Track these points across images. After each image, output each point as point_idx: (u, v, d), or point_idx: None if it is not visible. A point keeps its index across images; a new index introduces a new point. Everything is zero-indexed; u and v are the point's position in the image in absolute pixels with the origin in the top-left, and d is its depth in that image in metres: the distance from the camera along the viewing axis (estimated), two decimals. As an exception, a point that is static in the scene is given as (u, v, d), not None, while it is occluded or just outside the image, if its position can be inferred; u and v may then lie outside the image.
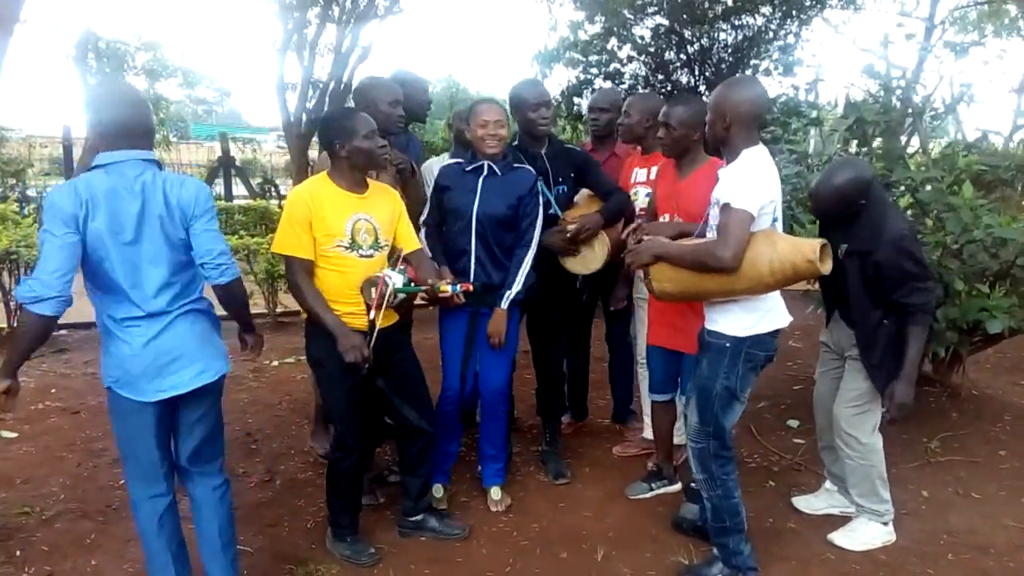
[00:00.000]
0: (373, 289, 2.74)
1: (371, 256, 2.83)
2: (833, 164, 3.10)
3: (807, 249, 2.43)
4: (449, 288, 2.86)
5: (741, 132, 2.57)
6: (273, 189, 16.30)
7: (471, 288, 2.95)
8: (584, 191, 3.74)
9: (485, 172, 3.25)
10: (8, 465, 3.88)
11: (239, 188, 15.59)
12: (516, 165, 3.31)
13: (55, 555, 3.01)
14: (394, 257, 2.93)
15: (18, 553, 3.01)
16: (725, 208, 2.45)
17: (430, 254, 3.19)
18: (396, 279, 2.76)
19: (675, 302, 2.85)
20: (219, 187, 15.52)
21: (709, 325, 2.70)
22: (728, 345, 2.62)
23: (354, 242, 2.79)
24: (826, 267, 2.46)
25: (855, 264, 2.92)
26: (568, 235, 3.45)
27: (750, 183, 2.47)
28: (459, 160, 3.38)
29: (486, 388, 3.40)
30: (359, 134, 2.76)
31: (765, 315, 2.63)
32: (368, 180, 2.91)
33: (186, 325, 2.39)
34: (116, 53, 14.10)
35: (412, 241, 3.01)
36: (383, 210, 2.90)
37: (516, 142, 3.70)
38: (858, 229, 2.92)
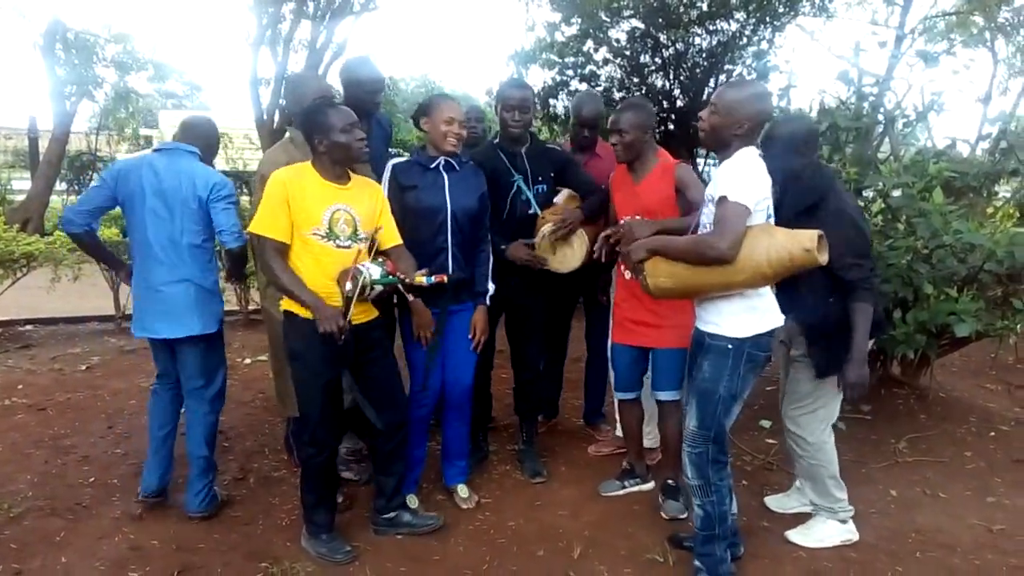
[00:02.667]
0: (349, 283, 2.72)
1: (348, 247, 2.82)
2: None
3: (804, 238, 2.44)
4: (424, 280, 2.85)
5: (748, 135, 2.58)
6: (243, 186, 16.16)
7: (445, 280, 2.95)
8: (565, 191, 3.75)
9: (445, 167, 3.23)
10: (-27, 462, 3.80)
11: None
12: (463, 160, 3.30)
13: (23, 553, 2.96)
14: (371, 249, 2.90)
15: (-15, 551, 2.95)
16: (722, 201, 2.45)
17: None
18: (373, 271, 2.74)
19: (672, 299, 2.79)
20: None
21: (707, 328, 2.66)
22: (730, 347, 2.59)
23: (331, 231, 2.78)
24: (823, 257, 2.45)
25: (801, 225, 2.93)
26: (549, 235, 3.46)
27: (746, 178, 2.47)
28: (411, 158, 3.28)
29: (454, 387, 3.39)
30: (336, 128, 2.75)
31: (763, 314, 2.62)
32: (351, 173, 2.90)
33: None
34: (85, 44, 13.83)
35: (393, 236, 3.00)
36: (364, 203, 2.89)
37: (497, 139, 3.71)
38: (806, 189, 2.94)
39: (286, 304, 2.84)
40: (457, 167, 3.25)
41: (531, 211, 3.58)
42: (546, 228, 3.47)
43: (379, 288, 2.77)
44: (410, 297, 3.04)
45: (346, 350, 2.79)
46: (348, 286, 2.70)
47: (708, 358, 2.64)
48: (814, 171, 3.01)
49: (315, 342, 2.74)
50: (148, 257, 3.15)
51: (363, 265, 2.74)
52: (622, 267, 3.28)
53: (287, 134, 3.48)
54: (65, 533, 3.12)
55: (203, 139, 3.34)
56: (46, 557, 2.93)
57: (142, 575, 2.84)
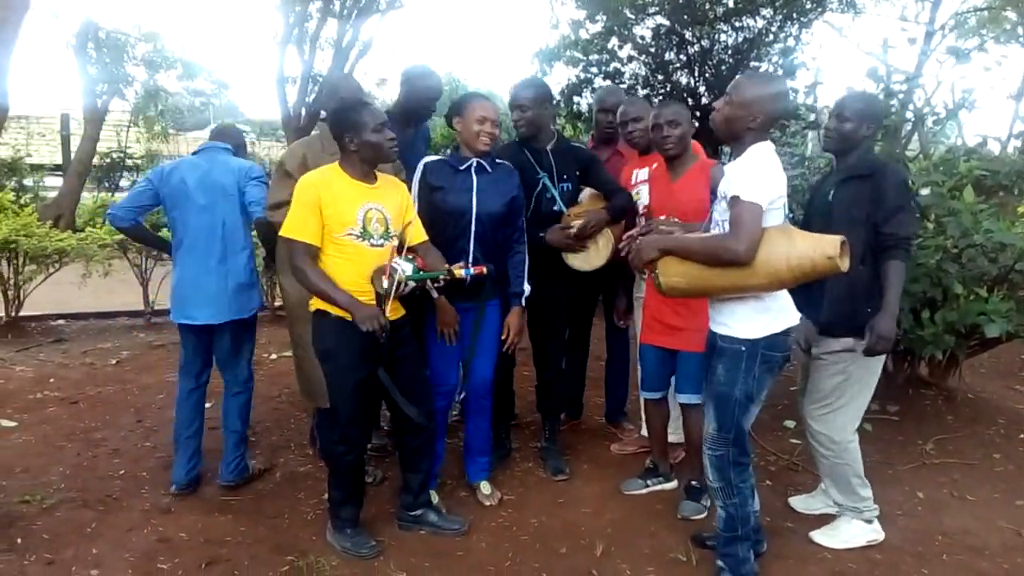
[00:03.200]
0: (384, 278, 2.75)
1: (381, 245, 2.85)
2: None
3: (827, 245, 2.37)
4: (463, 272, 2.87)
5: (761, 129, 2.54)
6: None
7: (484, 271, 2.97)
8: (588, 190, 3.76)
9: (476, 169, 3.24)
10: (7, 454, 3.89)
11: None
12: (498, 161, 3.32)
13: (56, 543, 3.02)
14: (400, 247, 2.93)
15: (19, 541, 3.02)
16: (735, 201, 2.40)
17: None
18: (406, 267, 2.77)
19: (683, 298, 2.77)
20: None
21: (720, 330, 2.62)
22: (744, 349, 2.55)
23: (365, 231, 2.81)
24: (845, 264, 2.39)
25: (849, 193, 2.94)
26: (574, 231, 3.47)
27: (759, 176, 2.42)
28: (443, 158, 3.30)
29: (476, 382, 3.41)
30: (368, 128, 2.77)
31: (777, 314, 2.57)
32: (376, 172, 2.93)
33: None
34: (116, 43, 14.06)
35: (420, 232, 3.02)
36: (393, 201, 2.92)
37: (520, 138, 3.73)
38: (858, 159, 2.99)
39: (317, 303, 2.86)
40: (489, 169, 3.25)
41: (556, 208, 3.59)
42: (574, 224, 3.48)
43: (412, 284, 2.80)
44: (435, 294, 3.07)
45: (378, 349, 2.81)
46: (384, 283, 2.73)
47: (722, 361, 2.60)
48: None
49: (347, 341, 2.77)
50: (191, 247, 3.43)
51: (396, 262, 2.77)
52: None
53: (315, 130, 3.56)
54: (96, 524, 3.19)
55: (232, 139, 3.71)
56: (78, 548, 2.99)
57: (171, 567, 2.88)
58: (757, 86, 2.54)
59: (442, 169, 3.23)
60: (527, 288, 3.35)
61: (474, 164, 3.22)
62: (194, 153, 3.61)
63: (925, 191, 4.04)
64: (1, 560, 2.87)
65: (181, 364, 3.68)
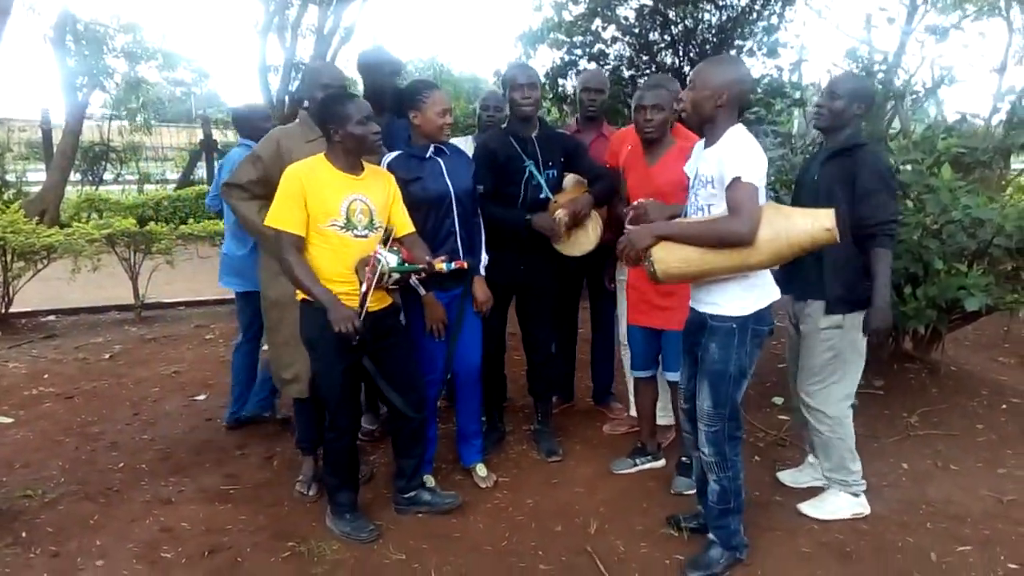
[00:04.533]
0: (367, 269, 2.79)
1: (366, 236, 2.89)
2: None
3: (824, 218, 2.48)
4: (444, 266, 2.92)
5: (731, 111, 2.60)
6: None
7: (465, 266, 3.02)
8: (572, 176, 3.80)
9: (438, 154, 3.32)
10: (6, 450, 3.93)
11: (222, 171, 15.51)
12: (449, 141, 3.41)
13: (60, 536, 3.07)
14: (387, 238, 2.97)
15: (24, 535, 3.07)
16: (736, 183, 2.46)
17: None
18: (390, 259, 2.81)
19: (677, 284, 2.80)
20: (201, 170, 15.45)
21: (710, 309, 2.69)
22: (735, 326, 2.63)
23: (349, 222, 2.85)
24: (837, 234, 2.49)
25: (833, 171, 3.02)
26: (566, 219, 3.51)
27: (752, 157, 2.50)
28: (403, 152, 3.32)
29: (464, 367, 3.47)
30: (353, 119, 2.81)
31: (763, 290, 2.66)
32: (363, 163, 2.96)
33: None
34: (95, 35, 13.91)
35: (406, 224, 3.07)
36: (378, 192, 2.96)
37: (506, 125, 3.76)
38: (847, 138, 3.07)
39: (303, 293, 2.91)
40: (447, 151, 3.35)
41: (542, 195, 3.64)
42: (559, 214, 3.52)
43: (396, 276, 2.84)
44: (422, 291, 3.13)
45: (363, 338, 2.85)
46: (367, 274, 2.77)
47: (715, 339, 2.67)
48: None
49: (331, 331, 2.81)
50: (226, 231, 4.27)
51: (380, 254, 2.80)
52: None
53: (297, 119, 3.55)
54: (98, 517, 3.24)
55: (248, 124, 4.35)
56: (82, 540, 3.05)
57: (175, 555, 2.94)
58: (716, 67, 2.64)
59: (407, 162, 3.28)
60: (485, 257, 3.45)
61: (433, 150, 3.30)
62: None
63: (906, 168, 4.11)
64: (7, 553, 2.92)
65: (246, 324, 4.23)
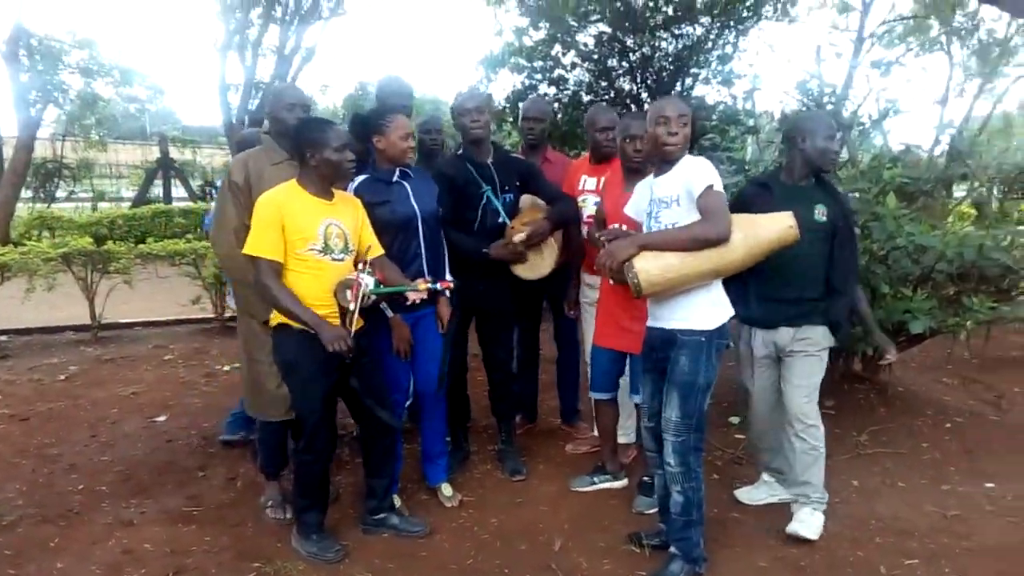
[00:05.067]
0: (348, 291, 2.84)
1: (341, 260, 2.95)
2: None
3: (784, 218, 2.81)
4: (428, 286, 2.99)
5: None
6: (212, 191, 16.11)
7: (451, 286, 3.10)
8: (526, 196, 3.88)
9: (403, 177, 3.36)
10: (-39, 473, 3.85)
11: (178, 190, 15.37)
12: (412, 165, 3.46)
13: (19, 559, 3.04)
14: (360, 262, 3.02)
15: (-19, 558, 3.02)
16: (707, 191, 2.68)
17: None
18: (368, 281, 2.88)
19: (657, 295, 2.85)
20: (158, 189, 15.27)
21: (679, 324, 2.83)
22: (704, 339, 2.80)
23: (327, 246, 2.90)
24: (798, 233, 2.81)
25: (838, 215, 3.22)
26: (519, 243, 3.59)
27: (715, 171, 2.74)
28: (369, 176, 3.35)
29: (427, 386, 3.52)
30: (330, 146, 2.87)
31: (724, 307, 2.87)
32: (333, 189, 3.02)
33: None
34: (50, 51, 13.72)
35: (376, 247, 3.12)
36: (349, 216, 3.02)
37: (461, 151, 3.84)
38: (832, 192, 3.29)
39: (278, 317, 2.93)
40: (412, 175, 3.40)
41: (500, 220, 3.71)
42: (517, 238, 3.61)
43: (373, 298, 2.90)
44: (389, 313, 3.19)
45: (341, 360, 2.89)
46: (348, 296, 2.82)
47: (684, 352, 2.81)
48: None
49: (310, 353, 2.85)
50: None
51: (359, 277, 2.86)
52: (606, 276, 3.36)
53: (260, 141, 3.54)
54: (59, 539, 3.20)
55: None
56: (41, 563, 3.01)
57: (138, 578, 2.93)
58: (685, 104, 2.89)
59: (374, 186, 3.32)
60: (450, 278, 3.45)
61: (399, 173, 3.36)
62: None
63: (853, 196, 4.29)
64: (-35, 578, 2.88)
65: None
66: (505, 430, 4.05)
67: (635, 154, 3.35)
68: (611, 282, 3.09)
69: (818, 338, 3.27)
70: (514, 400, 4.14)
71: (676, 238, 2.73)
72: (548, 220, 3.67)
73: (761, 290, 3.22)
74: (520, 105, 8.76)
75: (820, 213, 3.20)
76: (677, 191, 2.78)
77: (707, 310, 2.83)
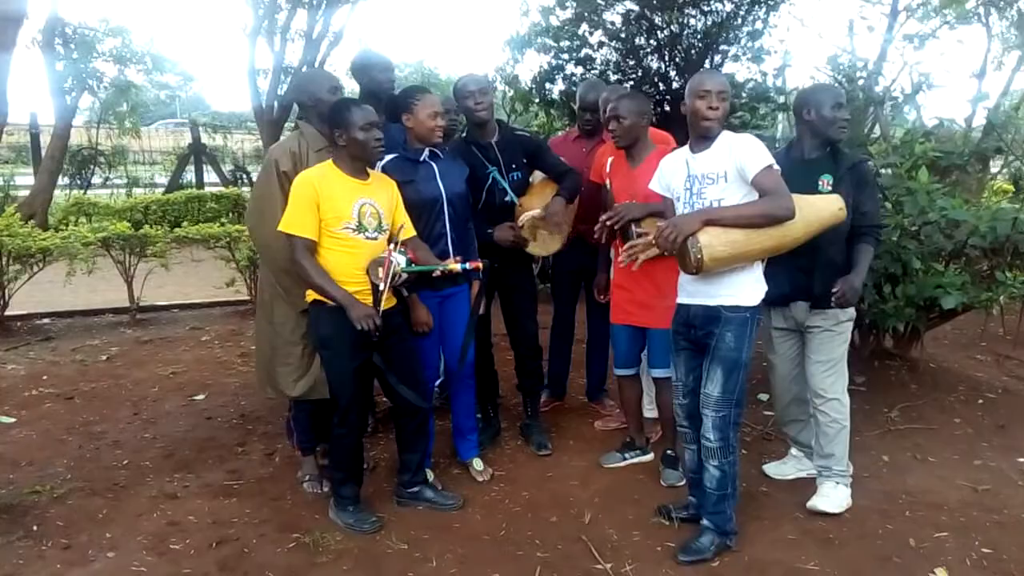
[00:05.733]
0: (380, 268, 2.91)
1: (375, 239, 3.02)
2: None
3: (834, 199, 2.96)
4: (459, 266, 3.05)
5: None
6: (244, 176, 16.31)
7: (481, 266, 3.15)
8: (537, 173, 3.92)
9: (432, 158, 3.39)
10: (11, 448, 4.01)
11: (210, 175, 15.57)
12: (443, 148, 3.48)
13: (71, 529, 3.16)
14: (393, 241, 3.09)
15: (35, 528, 3.15)
16: (768, 170, 2.71)
17: None
18: (400, 260, 2.95)
19: (719, 269, 2.81)
20: (190, 174, 15.49)
21: (725, 301, 2.84)
22: (748, 316, 2.85)
23: (360, 225, 2.97)
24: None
25: (847, 183, 3.19)
26: (523, 226, 3.66)
27: (767, 150, 2.76)
28: (398, 155, 3.37)
29: (455, 366, 3.57)
30: (356, 126, 2.92)
31: (763, 283, 2.92)
32: (368, 169, 3.08)
33: None
34: (84, 39, 13.93)
35: (409, 227, 3.18)
36: (384, 196, 3.09)
37: (466, 134, 3.87)
38: (843, 149, 3.30)
39: (315, 294, 3.01)
40: (440, 155, 3.43)
41: (508, 199, 3.75)
42: (527, 216, 3.65)
43: (405, 276, 2.96)
44: (405, 292, 3.25)
45: (375, 335, 2.96)
46: (380, 274, 2.89)
47: (730, 328, 2.85)
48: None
49: (344, 329, 2.93)
50: None
51: (391, 255, 2.93)
52: (618, 254, 3.39)
53: (295, 125, 3.60)
54: (107, 511, 3.32)
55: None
56: (91, 533, 3.13)
57: (183, 547, 3.04)
58: (725, 80, 2.92)
59: (402, 165, 3.35)
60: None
61: (428, 153, 3.38)
62: None
63: (885, 172, 4.26)
64: (20, 546, 3.01)
65: None
66: (531, 405, 4.12)
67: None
68: (632, 263, 3.07)
69: (835, 312, 3.27)
70: (539, 376, 4.18)
71: (745, 214, 2.73)
72: (560, 196, 3.71)
73: (771, 267, 3.19)
74: (547, 86, 8.81)
75: (824, 184, 3.20)
76: (724, 167, 2.78)
77: (752, 286, 2.87)
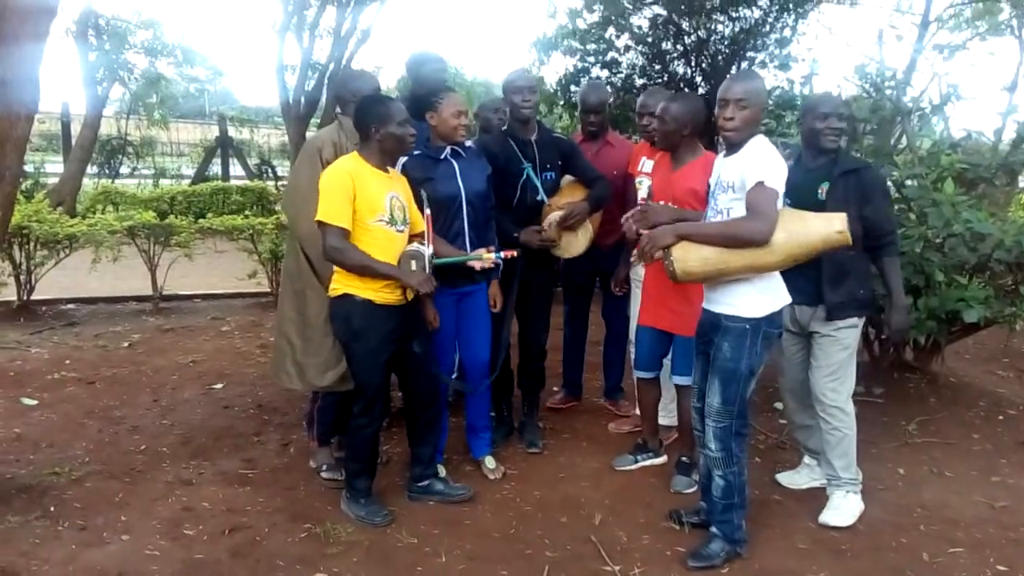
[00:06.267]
0: (413, 261, 2.97)
1: (402, 232, 3.08)
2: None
3: (836, 221, 2.70)
4: (492, 256, 3.08)
5: (757, 123, 2.82)
6: (269, 170, 16.46)
7: (515, 254, 3.20)
8: (567, 177, 3.94)
9: (453, 156, 3.41)
10: (33, 430, 4.08)
11: (236, 168, 15.72)
12: (466, 144, 3.50)
13: (87, 511, 3.21)
14: (414, 235, 3.14)
15: (52, 509, 3.20)
16: (759, 187, 2.63)
17: None
18: (428, 252, 3.01)
19: (694, 283, 2.90)
20: (216, 167, 15.65)
21: (725, 310, 2.82)
22: (748, 327, 2.78)
23: (392, 217, 3.02)
24: (849, 237, 2.71)
25: (841, 189, 3.17)
26: (550, 230, 3.67)
27: (776, 165, 2.68)
28: (419, 153, 3.38)
29: (473, 363, 3.60)
30: (394, 120, 2.97)
31: (774, 294, 2.82)
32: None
33: None
34: (116, 31, 14.13)
35: (419, 222, 3.21)
36: (403, 191, 3.14)
37: (505, 128, 3.90)
38: (842, 156, 3.28)
39: (342, 288, 3.03)
40: (463, 153, 3.45)
41: (539, 198, 3.77)
42: (553, 216, 3.66)
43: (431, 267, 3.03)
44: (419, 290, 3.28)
45: (402, 328, 3.02)
46: (413, 266, 2.93)
47: (728, 339, 2.81)
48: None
49: (375, 322, 2.98)
50: None
51: (420, 248, 2.97)
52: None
53: (334, 117, 3.63)
54: (123, 495, 3.37)
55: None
56: (107, 516, 3.18)
57: (196, 533, 3.08)
58: (757, 84, 2.89)
59: (423, 162, 3.38)
60: (499, 261, 3.46)
61: (449, 151, 3.41)
62: None
63: (910, 183, 4.23)
64: (37, 526, 3.06)
65: None
66: (529, 403, 4.13)
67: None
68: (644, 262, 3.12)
69: (836, 321, 3.24)
70: (539, 377, 4.17)
71: (714, 233, 2.72)
72: (587, 202, 3.73)
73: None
74: (572, 89, 8.81)
75: (822, 191, 3.19)
76: (734, 177, 2.76)
77: (755, 297, 2.79)
